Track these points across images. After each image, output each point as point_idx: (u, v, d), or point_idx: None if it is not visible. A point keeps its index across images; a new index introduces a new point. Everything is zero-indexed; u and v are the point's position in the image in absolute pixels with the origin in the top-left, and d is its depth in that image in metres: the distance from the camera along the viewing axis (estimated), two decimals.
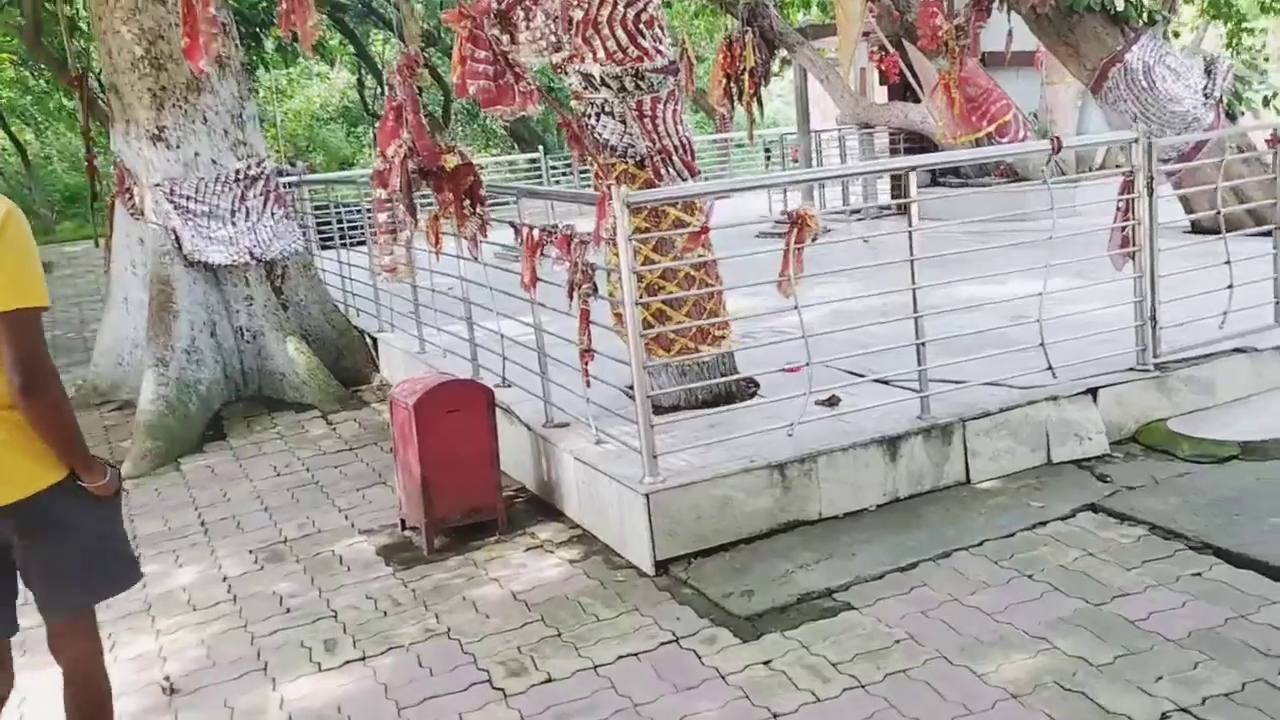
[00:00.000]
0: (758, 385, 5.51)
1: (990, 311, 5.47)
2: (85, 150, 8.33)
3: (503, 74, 4.15)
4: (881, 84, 15.78)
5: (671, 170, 4.88)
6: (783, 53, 14.36)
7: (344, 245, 9.51)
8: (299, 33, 5.67)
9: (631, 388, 5.29)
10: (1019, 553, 4.02)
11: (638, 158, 4.88)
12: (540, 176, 18.66)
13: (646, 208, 4.76)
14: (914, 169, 4.61)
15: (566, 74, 4.86)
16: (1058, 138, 4.87)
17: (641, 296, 4.38)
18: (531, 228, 4.77)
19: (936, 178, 13.38)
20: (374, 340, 8.22)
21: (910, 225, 4.58)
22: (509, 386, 5.73)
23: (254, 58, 13.35)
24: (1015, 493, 4.57)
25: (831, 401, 4.97)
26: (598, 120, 4.86)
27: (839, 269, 6.54)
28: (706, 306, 5.14)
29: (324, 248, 10.22)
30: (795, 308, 4.37)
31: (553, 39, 4.82)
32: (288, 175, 20.91)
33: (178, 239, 7.37)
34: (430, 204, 5.18)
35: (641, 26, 4.64)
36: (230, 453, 6.78)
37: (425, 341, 7.10)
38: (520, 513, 5.11)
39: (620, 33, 4.59)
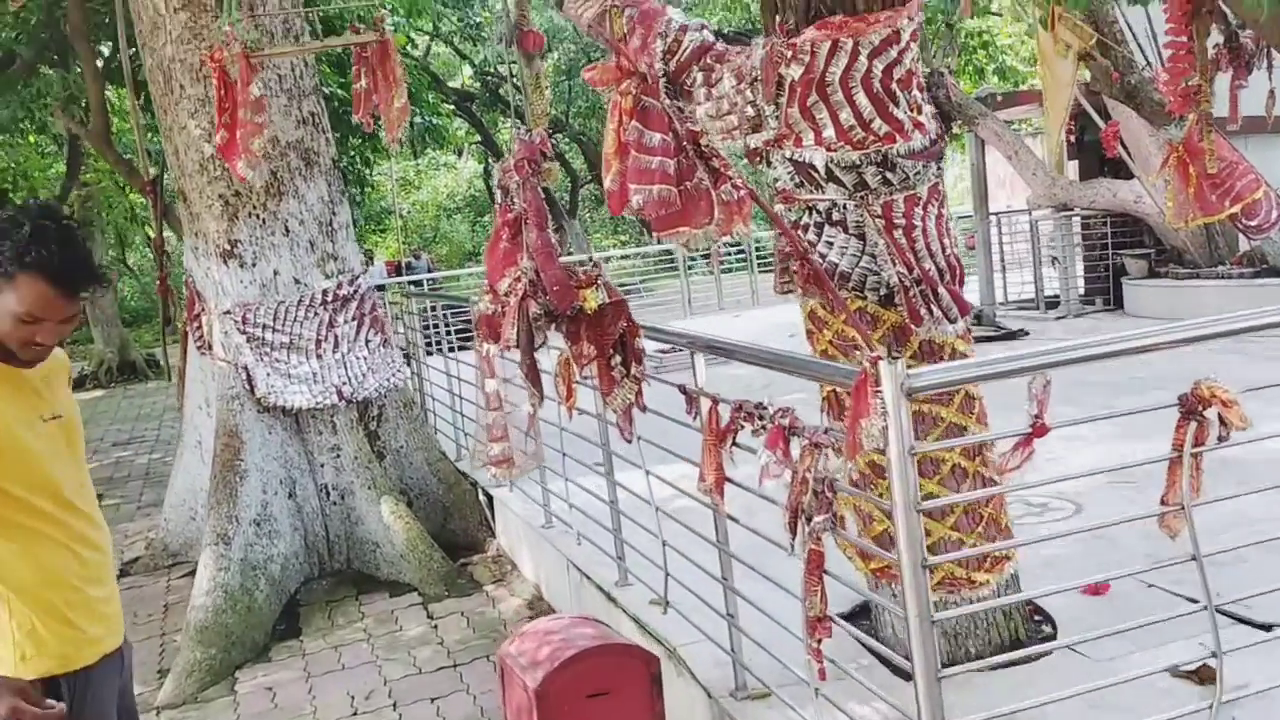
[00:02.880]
0: (1051, 622, 3.64)
1: None
2: (157, 266, 7.09)
3: (692, 171, 2.45)
4: (1070, 159, 13.77)
5: (937, 308, 3.10)
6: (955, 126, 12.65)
7: (453, 351, 7.96)
8: (383, 119, 4.22)
9: (852, 616, 3.53)
10: None
11: (883, 290, 3.13)
12: (675, 269, 17.09)
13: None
14: None
15: (770, 164, 3.17)
16: None
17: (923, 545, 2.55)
18: (716, 402, 3.05)
19: (1154, 266, 11.21)
20: (489, 497, 6.57)
21: None
22: (668, 610, 3.98)
23: (363, 150, 12.11)
24: None
25: (1203, 676, 3.04)
26: (819, 234, 3.13)
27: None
28: (985, 512, 3.32)
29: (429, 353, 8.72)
30: (1194, 560, 2.51)
31: (749, 111, 3.14)
32: (415, 269, 20.08)
33: (250, 379, 5.92)
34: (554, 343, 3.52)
35: (895, 87, 2.92)
36: (301, 663, 5.18)
37: (551, 514, 5.41)
38: None
39: (862, 98, 2.86)
